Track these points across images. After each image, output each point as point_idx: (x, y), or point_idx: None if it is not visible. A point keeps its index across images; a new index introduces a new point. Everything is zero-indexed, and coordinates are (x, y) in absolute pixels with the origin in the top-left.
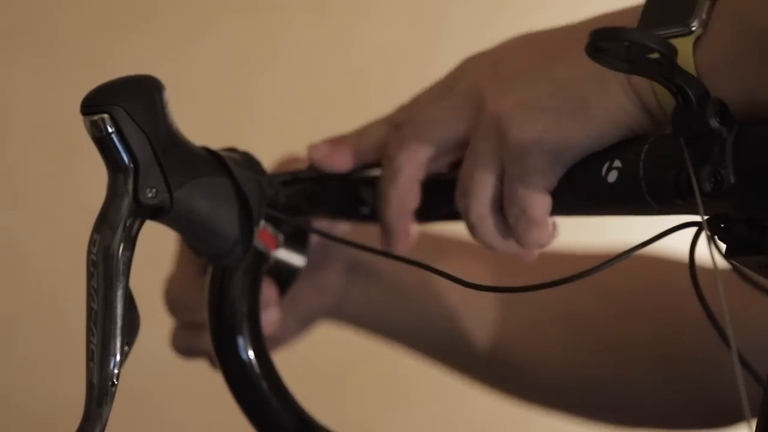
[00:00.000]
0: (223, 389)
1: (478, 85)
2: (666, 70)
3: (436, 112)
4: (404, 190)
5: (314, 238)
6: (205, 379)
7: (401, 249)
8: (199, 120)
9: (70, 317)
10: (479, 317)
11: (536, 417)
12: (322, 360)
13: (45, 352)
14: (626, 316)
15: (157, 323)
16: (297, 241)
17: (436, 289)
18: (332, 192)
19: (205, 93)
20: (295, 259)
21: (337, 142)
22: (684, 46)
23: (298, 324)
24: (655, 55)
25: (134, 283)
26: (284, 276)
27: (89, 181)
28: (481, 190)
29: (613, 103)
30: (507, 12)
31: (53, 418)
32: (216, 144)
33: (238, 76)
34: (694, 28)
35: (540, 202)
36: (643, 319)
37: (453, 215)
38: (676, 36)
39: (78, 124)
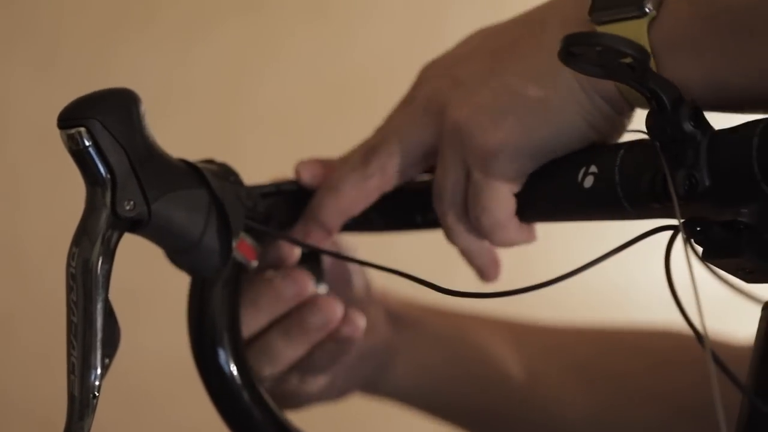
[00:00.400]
0: None
1: (437, 92)
2: (639, 75)
3: (400, 123)
4: (360, 197)
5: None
6: None
7: (319, 242)
8: (202, 123)
9: None
10: (513, 367)
11: None
12: None
13: (45, 351)
14: (659, 366)
15: (157, 323)
16: (311, 266)
17: (478, 348)
18: None
19: (207, 96)
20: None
21: (324, 161)
22: (638, 28)
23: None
24: (628, 60)
25: (136, 284)
26: None
27: None
28: (452, 195)
29: (571, 99)
30: (509, 13)
31: (53, 417)
32: (219, 147)
33: (240, 78)
34: (648, 10)
35: (503, 203)
36: (676, 369)
37: (430, 223)
38: (630, 18)
39: None
